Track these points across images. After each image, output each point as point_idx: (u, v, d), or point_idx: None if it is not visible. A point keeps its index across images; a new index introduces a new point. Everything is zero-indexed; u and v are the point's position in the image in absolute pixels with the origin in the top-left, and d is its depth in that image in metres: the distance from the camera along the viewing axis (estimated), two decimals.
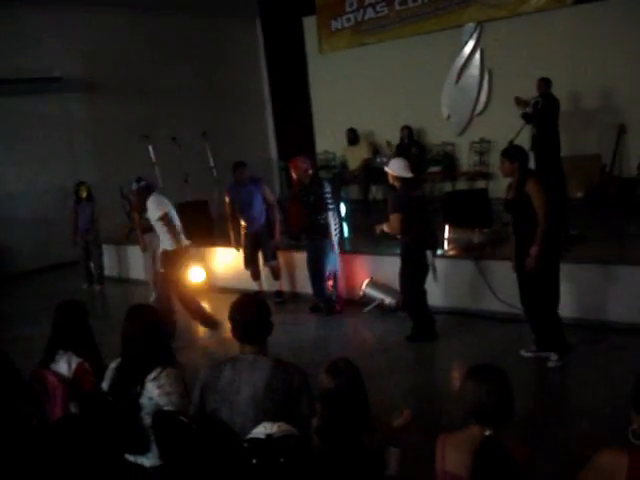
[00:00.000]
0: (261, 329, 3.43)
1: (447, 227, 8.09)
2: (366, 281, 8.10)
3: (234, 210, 8.57)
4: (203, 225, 10.64)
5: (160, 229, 7.27)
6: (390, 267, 7.75)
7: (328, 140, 14.25)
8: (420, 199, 6.96)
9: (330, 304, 8.08)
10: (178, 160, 11.31)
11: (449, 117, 12.75)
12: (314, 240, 7.89)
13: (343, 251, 8.36)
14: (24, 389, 3.83)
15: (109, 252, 11.31)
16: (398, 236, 6.78)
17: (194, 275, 9.78)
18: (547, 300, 5.74)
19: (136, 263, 10.40)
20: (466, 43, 12.25)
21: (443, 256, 7.82)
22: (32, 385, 3.93)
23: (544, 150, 9.19)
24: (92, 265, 10.59)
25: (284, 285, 8.88)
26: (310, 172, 7.90)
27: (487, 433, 2.68)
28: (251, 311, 3.43)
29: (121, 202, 10.98)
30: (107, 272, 11.05)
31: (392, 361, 6.48)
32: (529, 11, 11.31)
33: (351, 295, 8.35)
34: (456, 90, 12.51)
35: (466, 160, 12.50)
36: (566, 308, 6.06)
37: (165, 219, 7.11)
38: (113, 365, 3.63)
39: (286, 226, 9.06)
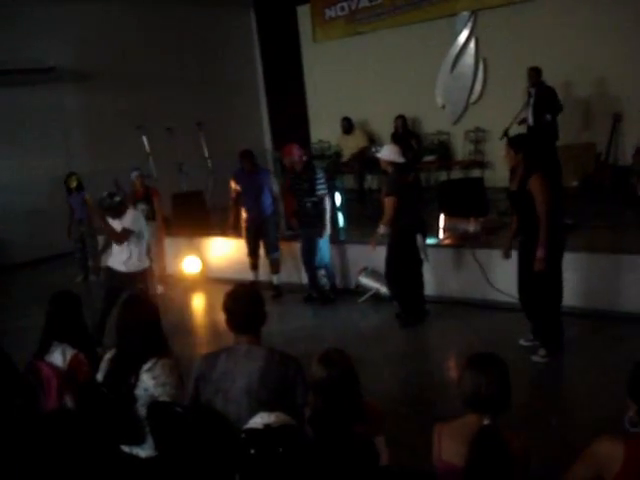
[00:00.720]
0: (255, 319, 3.42)
1: (442, 216, 8.08)
2: (361, 271, 8.09)
3: (238, 196, 8.50)
4: (198, 215, 10.62)
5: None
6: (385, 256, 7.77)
7: (323, 129, 14.22)
8: (412, 185, 6.97)
9: (324, 294, 8.07)
10: (173, 150, 11.30)
11: (444, 106, 12.73)
12: (306, 228, 7.87)
13: (338, 241, 8.37)
14: (19, 381, 3.82)
15: (101, 243, 11.27)
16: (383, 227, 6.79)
17: (190, 265, 9.81)
18: (549, 295, 5.69)
19: None
20: (460, 32, 12.21)
21: (438, 245, 7.83)
22: (27, 376, 3.92)
23: (540, 139, 9.21)
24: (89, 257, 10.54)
25: (283, 276, 8.79)
26: (304, 159, 7.88)
27: (486, 422, 2.69)
28: (245, 301, 3.43)
29: (116, 192, 10.93)
30: (102, 263, 11.01)
31: (387, 350, 6.49)
32: None
33: (346, 285, 8.35)
34: (451, 79, 12.49)
35: (461, 149, 12.49)
36: (563, 297, 6.06)
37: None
38: (108, 356, 3.63)
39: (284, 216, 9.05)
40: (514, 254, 5.96)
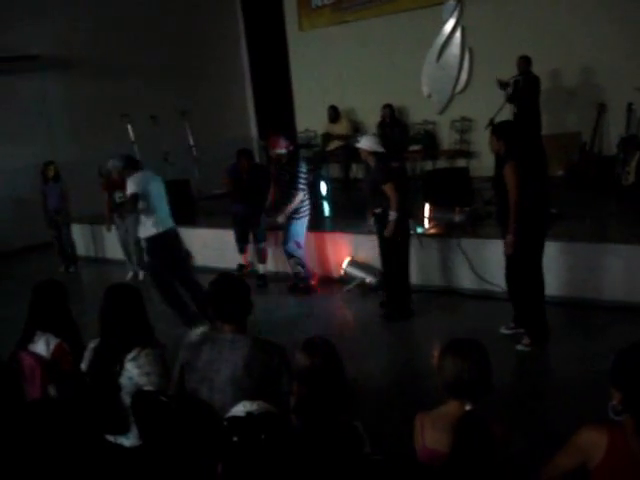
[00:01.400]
0: (240, 308, 3.42)
1: (427, 206, 8.09)
2: (347, 260, 8.10)
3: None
4: (184, 204, 10.54)
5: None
6: (371, 246, 7.76)
7: (309, 118, 14.17)
8: (399, 170, 6.97)
9: (297, 282, 8.10)
10: (157, 139, 11.23)
11: (430, 95, 12.71)
12: (288, 219, 7.86)
13: (323, 230, 8.37)
14: (2, 370, 3.79)
15: (84, 231, 11.23)
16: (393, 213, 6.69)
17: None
18: (530, 284, 5.74)
19: (112, 242, 10.30)
20: (447, 21, 12.17)
21: (424, 235, 7.83)
22: (10, 366, 3.90)
23: (525, 128, 9.23)
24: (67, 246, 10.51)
25: (270, 265, 8.78)
26: (290, 149, 7.87)
27: (467, 408, 2.70)
28: (230, 290, 3.43)
29: (98, 181, 10.88)
30: (83, 252, 10.98)
31: (372, 340, 6.50)
32: None
33: (332, 274, 8.35)
34: (437, 68, 12.47)
35: (447, 138, 12.49)
36: (547, 286, 6.09)
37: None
38: (92, 345, 3.61)
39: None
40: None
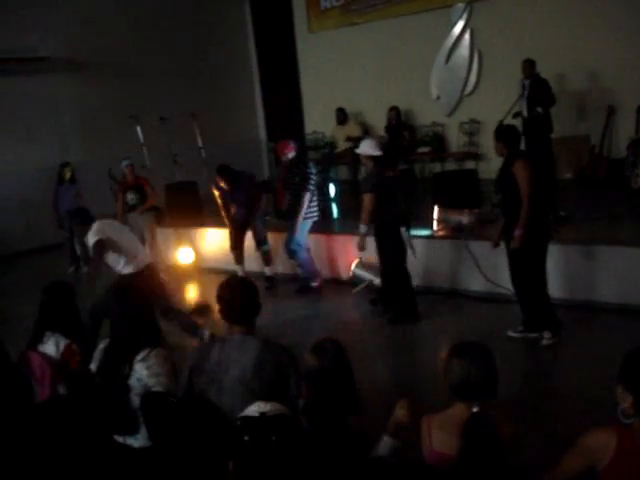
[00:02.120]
0: (249, 310, 3.43)
1: (436, 208, 8.08)
2: (355, 262, 8.10)
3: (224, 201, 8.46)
4: (192, 206, 10.61)
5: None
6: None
7: (317, 120, 14.18)
8: (394, 178, 6.94)
9: (304, 283, 8.13)
10: (166, 141, 11.27)
11: (438, 97, 12.70)
12: (291, 220, 7.89)
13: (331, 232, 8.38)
14: (12, 371, 3.82)
15: None
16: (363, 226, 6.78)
17: (183, 256, 9.80)
18: (534, 281, 5.77)
19: None
20: (456, 23, 12.17)
21: (432, 237, 7.83)
22: (20, 367, 3.92)
23: (535, 131, 9.23)
24: (78, 247, 10.52)
25: (276, 267, 8.80)
26: (297, 149, 7.94)
27: (475, 410, 2.70)
28: (239, 292, 3.43)
29: (109, 183, 10.93)
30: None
31: (380, 342, 6.51)
32: None
33: (340, 276, 8.35)
34: (445, 70, 12.46)
35: (455, 141, 12.48)
36: (555, 288, 6.09)
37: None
38: (101, 346, 3.63)
39: (274, 207, 9.03)
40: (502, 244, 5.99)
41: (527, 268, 5.72)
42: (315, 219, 7.98)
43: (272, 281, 8.51)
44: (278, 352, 3.32)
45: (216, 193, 8.43)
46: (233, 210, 8.37)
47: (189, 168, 11.37)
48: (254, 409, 2.44)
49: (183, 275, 9.55)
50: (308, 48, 14.37)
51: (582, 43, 10.52)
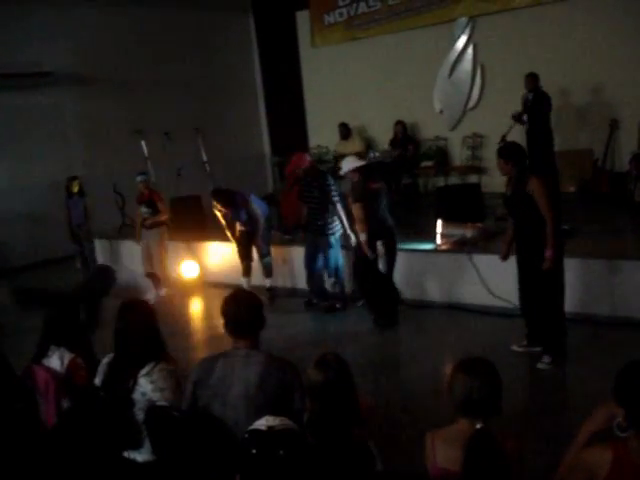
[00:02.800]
0: (254, 324, 3.43)
1: (440, 221, 8.09)
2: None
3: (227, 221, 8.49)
4: (196, 220, 10.64)
5: None
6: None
7: (321, 134, 14.22)
8: (377, 192, 7.04)
9: (331, 302, 7.96)
10: (171, 155, 11.31)
11: (442, 112, 12.75)
12: (312, 235, 7.80)
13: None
14: (17, 385, 3.83)
15: (103, 247, 11.28)
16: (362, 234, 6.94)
17: (188, 270, 9.82)
18: (553, 298, 5.67)
19: (130, 258, 10.36)
20: (459, 38, 12.23)
21: (435, 250, 7.84)
22: (25, 381, 3.93)
23: (537, 145, 9.25)
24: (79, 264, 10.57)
25: (279, 281, 8.81)
26: (312, 162, 7.99)
27: (478, 426, 2.70)
28: (244, 306, 3.44)
29: (114, 197, 10.97)
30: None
31: (383, 356, 6.51)
32: (521, 5, 11.30)
33: (346, 289, 8.35)
34: (449, 84, 12.51)
35: (459, 155, 12.51)
36: (564, 302, 6.06)
37: None
38: (106, 360, 3.63)
39: (279, 221, 9.05)
40: (512, 258, 5.97)
41: (545, 286, 5.62)
42: (341, 231, 7.81)
43: (272, 292, 8.53)
44: (282, 367, 3.32)
45: (218, 214, 8.47)
46: (239, 227, 8.36)
47: (193, 182, 11.40)
48: (262, 422, 2.45)
49: (187, 289, 9.57)
50: (312, 63, 14.45)
51: (585, 57, 10.56)
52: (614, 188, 9.73)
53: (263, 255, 8.48)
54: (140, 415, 3.38)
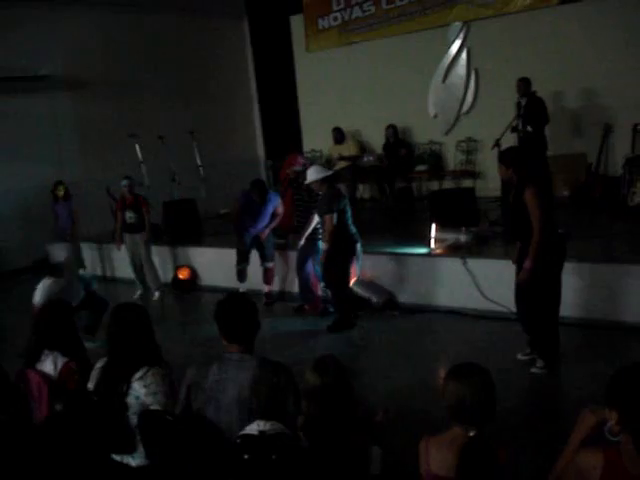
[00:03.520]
0: (248, 328, 3.42)
1: (434, 226, 8.10)
2: (353, 280, 8.09)
3: (241, 215, 8.40)
4: (191, 224, 10.64)
5: None
6: (377, 266, 7.79)
7: (315, 139, 14.25)
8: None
9: (324, 306, 7.91)
10: (165, 159, 11.30)
11: (436, 116, 12.78)
12: (305, 240, 7.74)
13: None
14: (10, 389, 3.81)
15: (93, 251, 11.26)
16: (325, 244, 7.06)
17: (182, 274, 9.80)
18: (546, 305, 5.66)
19: (120, 261, 10.34)
20: (452, 42, 12.27)
21: (429, 255, 7.85)
22: (18, 385, 3.91)
23: (530, 150, 9.25)
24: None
25: (274, 285, 8.78)
26: (307, 165, 7.93)
27: (471, 434, 2.68)
28: (238, 310, 3.43)
29: (108, 201, 10.96)
30: (91, 271, 11.01)
31: (378, 360, 6.49)
32: (515, 10, 11.35)
33: None
34: (443, 89, 12.55)
35: (453, 159, 12.54)
36: (559, 309, 6.05)
37: None
38: (99, 364, 3.62)
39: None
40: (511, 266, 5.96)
41: (538, 293, 5.59)
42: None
43: (271, 297, 8.51)
44: (276, 370, 3.31)
45: (236, 205, 8.45)
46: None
47: (188, 186, 11.40)
48: (254, 427, 2.45)
49: (182, 293, 9.56)
50: (306, 67, 14.48)
51: (578, 62, 10.60)
52: (608, 192, 9.76)
53: (267, 260, 8.45)
54: (134, 419, 3.36)
